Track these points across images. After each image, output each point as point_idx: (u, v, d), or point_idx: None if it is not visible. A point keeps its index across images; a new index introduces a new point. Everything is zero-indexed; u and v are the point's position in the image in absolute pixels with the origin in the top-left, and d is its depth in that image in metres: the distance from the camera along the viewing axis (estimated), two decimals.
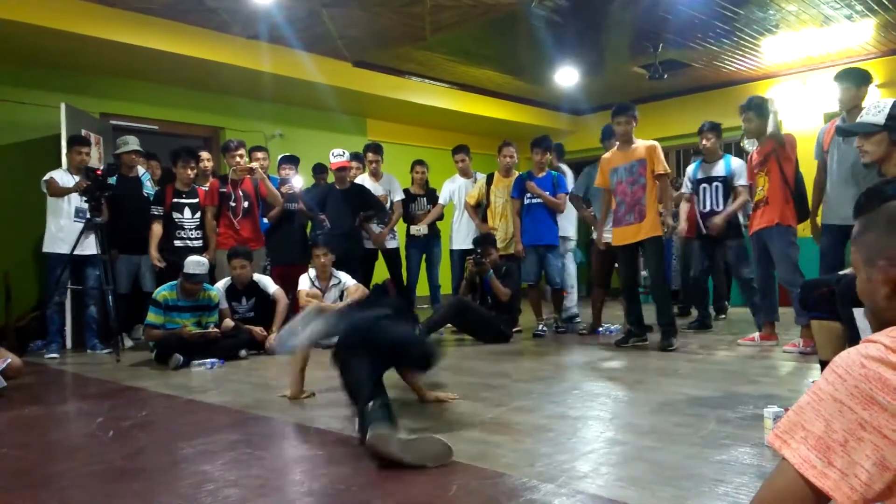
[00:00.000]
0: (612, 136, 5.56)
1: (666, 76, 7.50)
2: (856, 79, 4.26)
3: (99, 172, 5.14)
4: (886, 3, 6.07)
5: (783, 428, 0.85)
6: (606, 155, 5.18)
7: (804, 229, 4.76)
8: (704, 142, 5.52)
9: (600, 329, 5.77)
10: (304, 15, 6.02)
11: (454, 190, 6.68)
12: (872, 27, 6.74)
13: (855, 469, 0.77)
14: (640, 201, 4.85)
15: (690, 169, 5.76)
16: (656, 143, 5.00)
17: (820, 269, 4.23)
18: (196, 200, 5.75)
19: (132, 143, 5.83)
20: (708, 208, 5.46)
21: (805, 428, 0.82)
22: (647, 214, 4.82)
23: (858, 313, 2.35)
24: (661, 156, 4.91)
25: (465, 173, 6.67)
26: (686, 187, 5.73)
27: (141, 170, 5.97)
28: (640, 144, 4.95)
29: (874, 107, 3.29)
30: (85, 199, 5.16)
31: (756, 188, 4.83)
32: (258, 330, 5.13)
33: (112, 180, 5.37)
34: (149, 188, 5.93)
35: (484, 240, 5.79)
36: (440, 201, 6.74)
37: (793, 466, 0.81)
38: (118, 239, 5.47)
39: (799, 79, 8.18)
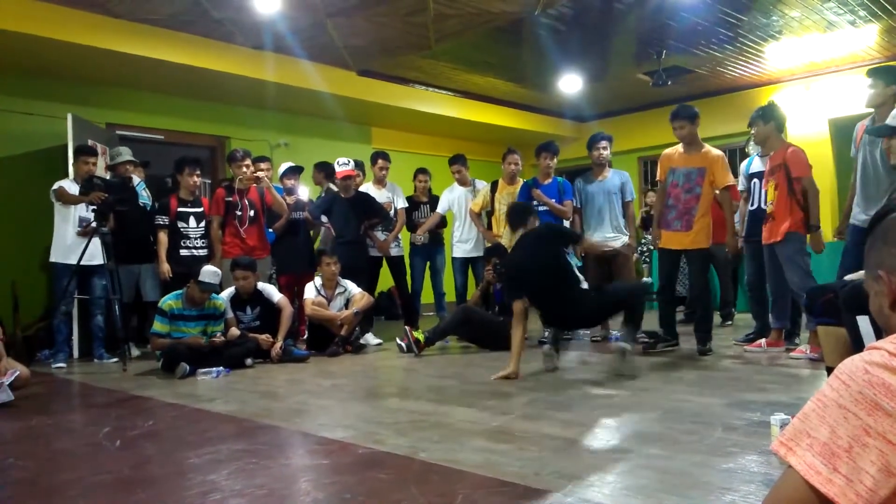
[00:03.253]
0: (596, 145, 5.73)
1: (670, 82, 7.51)
2: (886, 76, 4.23)
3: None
4: (890, 8, 6.06)
5: (788, 435, 0.85)
6: (668, 150, 5.03)
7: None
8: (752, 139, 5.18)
9: (611, 336, 5.76)
10: (308, 25, 6.05)
11: (453, 199, 6.68)
12: (876, 32, 6.73)
13: (860, 475, 0.77)
14: (691, 211, 4.75)
15: (744, 165, 5.50)
16: (722, 154, 4.83)
17: (839, 267, 4.21)
18: (200, 209, 5.77)
19: (125, 153, 5.82)
20: (756, 205, 5.08)
21: (810, 435, 0.83)
22: (696, 226, 4.73)
23: (862, 321, 2.34)
24: (726, 168, 4.77)
25: (463, 183, 6.69)
26: (740, 184, 5.39)
27: (136, 179, 5.95)
28: (707, 151, 4.79)
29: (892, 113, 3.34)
30: (93, 208, 5.18)
31: (766, 199, 4.78)
32: (264, 338, 5.15)
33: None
34: (144, 198, 5.92)
35: (496, 250, 5.78)
36: (438, 210, 6.73)
37: (798, 473, 0.81)
38: (117, 249, 5.46)
39: (802, 84, 8.18)
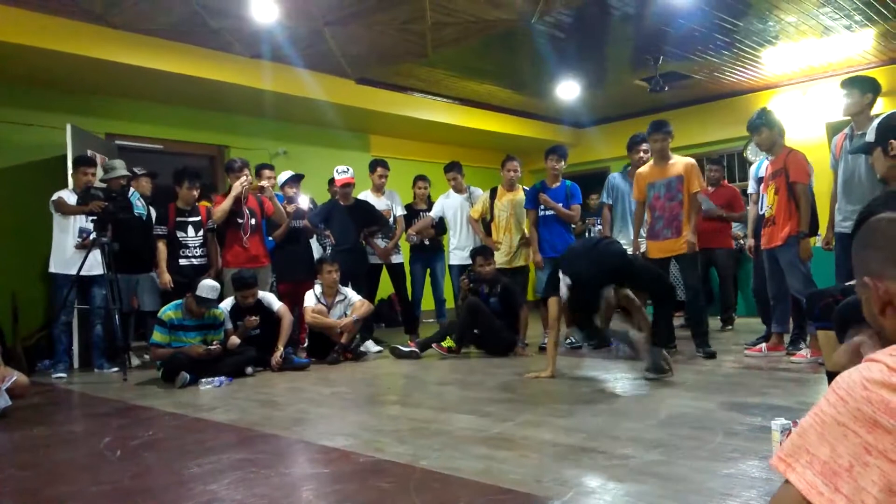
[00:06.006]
0: (637, 147, 5.66)
1: (667, 88, 7.53)
2: (861, 85, 4.29)
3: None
4: (886, 12, 6.09)
5: (787, 451, 0.84)
6: (642, 170, 5.26)
7: (815, 242, 4.75)
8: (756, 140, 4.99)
9: (613, 343, 5.75)
10: (306, 34, 6.07)
11: (447, 206, 6.66)
12: (872, 37, 6.76)
13: (862, 495, 0.76)
14: (678, 217, 4.97)
15: (753, 168, 5.52)
16: (694, 161, 5.08)
17: (836, 276, 4.23)
18: (198, 218, 5.76)
19: (119, 167, 5.75)
20: (764, 210, 4.98)
21: (809, 452, 0.81)
22: (684, 230, 4.94)
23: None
24: (699, 174, 5.03)
25: (459, 190, 6.69)
26: (751, 188, 5.41)
27: (130, 189, 5.86)
28: (678, 161, 5.06)
29: (870, 126, 3.36)
30: (92, 219, 5.18)
31: (766, 204, 4.79)
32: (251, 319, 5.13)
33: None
34: (139, 207, 5.88)
35: (480, 251, 5.79)
36: (430, 213, 6.73)
37: (799, 492, 0.80)
38: (115, 259, 5.43)
39: (799, 89, 8.20)
